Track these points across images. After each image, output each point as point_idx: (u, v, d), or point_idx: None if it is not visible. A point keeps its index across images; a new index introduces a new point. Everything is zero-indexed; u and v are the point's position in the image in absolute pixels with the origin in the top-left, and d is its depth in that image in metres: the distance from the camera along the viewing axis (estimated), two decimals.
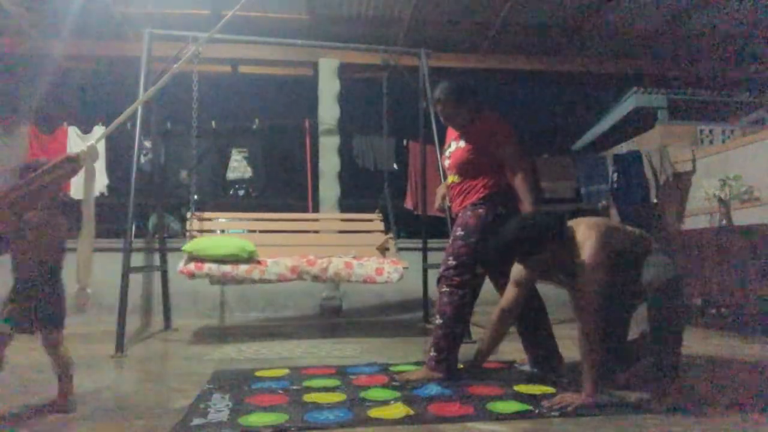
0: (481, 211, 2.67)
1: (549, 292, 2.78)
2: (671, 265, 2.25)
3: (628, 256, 2.25)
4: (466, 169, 2.76)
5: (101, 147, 5.41)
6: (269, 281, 3.83)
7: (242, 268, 3.75)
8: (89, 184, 2.20)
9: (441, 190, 3.01)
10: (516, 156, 2.66)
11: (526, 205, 2.60)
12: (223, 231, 4.96)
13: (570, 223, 2.31)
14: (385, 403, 2.15)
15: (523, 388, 2.38)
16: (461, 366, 2.79)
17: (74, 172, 2.04)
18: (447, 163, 2.89)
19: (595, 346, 2.07)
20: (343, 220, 5.05)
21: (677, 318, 2.17)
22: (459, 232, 2.69)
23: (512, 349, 3.18)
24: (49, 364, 2.15)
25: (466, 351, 2.78)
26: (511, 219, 2.35)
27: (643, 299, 2.28)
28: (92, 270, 2.55)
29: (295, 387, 2.43)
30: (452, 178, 2.85)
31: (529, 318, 2.73)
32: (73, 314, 2.25)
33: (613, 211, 6.26)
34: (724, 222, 4.94)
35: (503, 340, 2.62)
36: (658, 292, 2.16)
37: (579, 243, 2.18)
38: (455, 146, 2.84)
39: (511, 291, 2.46)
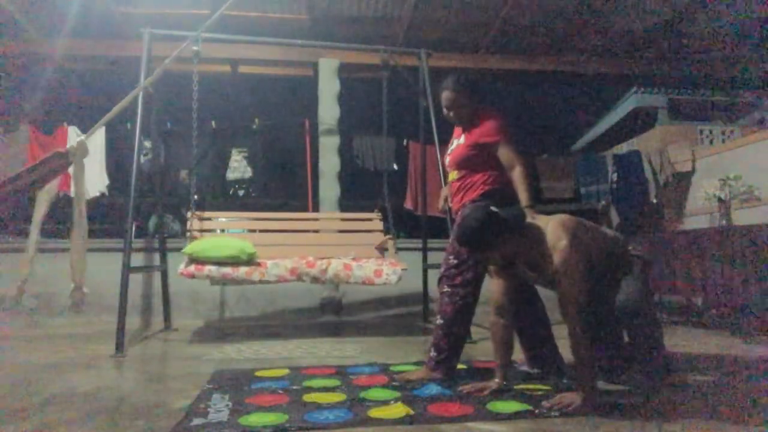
0: None
1: (549, 292, 2.78)
2: (640, 287, 2.30)
3: (602, 255, 2.26)
4: (465, 164, 2.75)
5: (101, 147, 5.44)
6: (269, 282, 3.84)
7: (242, 270, 3.76)
8: (79, 180, 2.20)
9: (444, 192, 3.01)
10: (512, 153, 2.66)
11: (524, 201, 2.59)
12: (223, 231, 4.96)
13: (539, 221, 2.28)
14: (385, 403, 2.15)
15: (523, 388, 2.38)
16: (464, 367, 2.79)
17: (64, 167, 2.04)
18: (447, 160, 2.89)
19: (586, 345, 2.06)
20: (342, 219, 5.05)
21: (652, 335, 2.30)
22: None
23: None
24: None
25: (466, 351, 2.77)
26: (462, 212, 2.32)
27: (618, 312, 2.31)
28: (86, 268, 2.54)
29: (295, 387, 2.43)
30: (452, 175, 2.85)
31: (529, 318, 2.73)
32: (71, 314, 2.25)
33: (613, 211, 6.26)
34: (724, 222, 4.94)
35: (512, 342, 2.46)
36: (630, 315, 2.25)
37: (551, 244, 2.15)
38: (456, 143, 2.84)
39: (493, 286, 2.41)
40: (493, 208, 2.20)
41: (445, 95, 2.81)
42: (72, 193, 5.11)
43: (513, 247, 2.21)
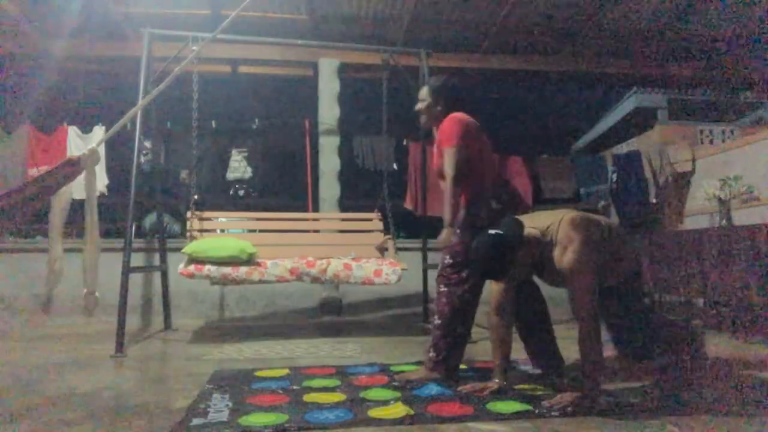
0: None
1: (549, 292, 2.78)
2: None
3: (605, 246, 2.27)
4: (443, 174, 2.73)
5: (101, 146, 5.43)
6: (269, 282, 3.85)
7: (242, 270, 3.76)
8: (91, 187, 2.22)
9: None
10: (450, 161, 2.59)
11: (444, 221, 2.61)
12: (223, 230, 4.96)
13: (546, 218, 2.28)
14: (385, 403, 2.16)
15: (523, 388, 2.37)
16: (464, 367, 2.79)
17: (75, 174, 2.06)
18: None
19: (595, 345, 2.07)
20: (342, 219, 5.05)
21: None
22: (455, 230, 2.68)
23: (512, 349, 3.17)
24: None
25: (466, 351, 2.77)
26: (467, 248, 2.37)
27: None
28: (98, 273, 2.56)
29: (295, 387, 2.43)
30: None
31: (530, 317, 2.73)
32: (81, 316, 2.26)
33: (613, 211, 6.26)
34: (724, 222, 4.94)
35: (511, 341, 2.47)
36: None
37: (563, 244, 2.16)
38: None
39: (493, 286, 2.42)
40: (491, 231, 2.19)
41: (421, 93, 2.85)
42: (74, 195, 5.12)
43: (527, 254, 2.21)
